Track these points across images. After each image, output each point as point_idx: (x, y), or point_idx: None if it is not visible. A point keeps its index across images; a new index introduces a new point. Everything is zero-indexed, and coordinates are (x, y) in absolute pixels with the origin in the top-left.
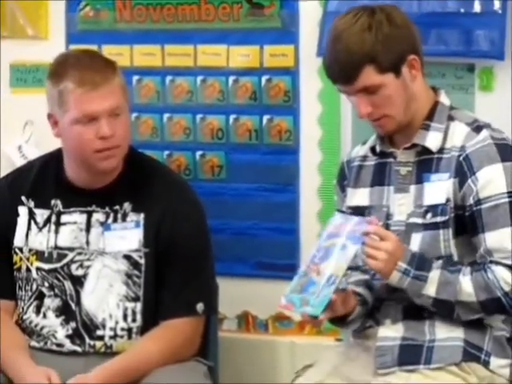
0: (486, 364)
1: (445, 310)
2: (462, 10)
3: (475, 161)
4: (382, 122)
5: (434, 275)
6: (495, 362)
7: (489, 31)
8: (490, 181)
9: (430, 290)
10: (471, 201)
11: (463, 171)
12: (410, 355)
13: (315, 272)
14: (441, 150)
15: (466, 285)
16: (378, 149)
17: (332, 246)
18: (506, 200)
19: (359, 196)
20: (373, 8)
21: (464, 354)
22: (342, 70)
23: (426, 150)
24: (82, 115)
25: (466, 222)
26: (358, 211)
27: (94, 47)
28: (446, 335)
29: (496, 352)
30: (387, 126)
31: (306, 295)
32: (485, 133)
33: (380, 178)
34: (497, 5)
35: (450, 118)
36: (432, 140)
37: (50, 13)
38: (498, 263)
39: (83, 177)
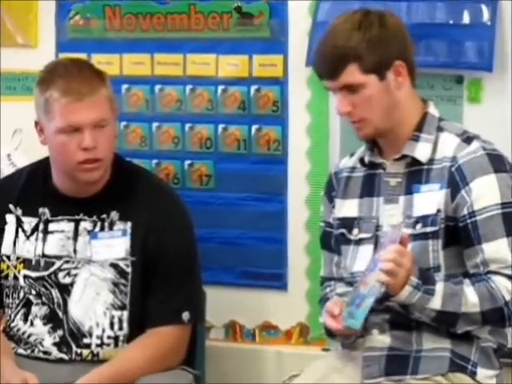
0: (472, 375)
1: (447, 322)
2: (451, 22)
3: (468, 172)
4: (360, 125)
5: (439, 288)
6: (482, 372)
7: (477, 43)
8: (484, 192)
9: (435, 302)
10: (465, 211)
11: (455, 182)
12: (397, 365)
13: (363, 284)
14: (431, 161)
15: (471, 295)
16: (366, 160)
17: (378, 257)
18: (500, 211)
19: (348, 207)
20: (369, 10)
21: (451, 365)
22: (326, 64)
23: (415, 161)
24: (66, 125)
25: (460, 233)
26: (347, 222)
27: (83, 56)
28: (433, 346)
29: (483, 363)
30: (364, 130)
31: (352, 308)
32: (476, 143)
33: (369, 189)
34: (486, 16)
35: (440, 129)
36: (421, 151)
37: (39, 21)
38: (496, 273)
39: (70, 186)
